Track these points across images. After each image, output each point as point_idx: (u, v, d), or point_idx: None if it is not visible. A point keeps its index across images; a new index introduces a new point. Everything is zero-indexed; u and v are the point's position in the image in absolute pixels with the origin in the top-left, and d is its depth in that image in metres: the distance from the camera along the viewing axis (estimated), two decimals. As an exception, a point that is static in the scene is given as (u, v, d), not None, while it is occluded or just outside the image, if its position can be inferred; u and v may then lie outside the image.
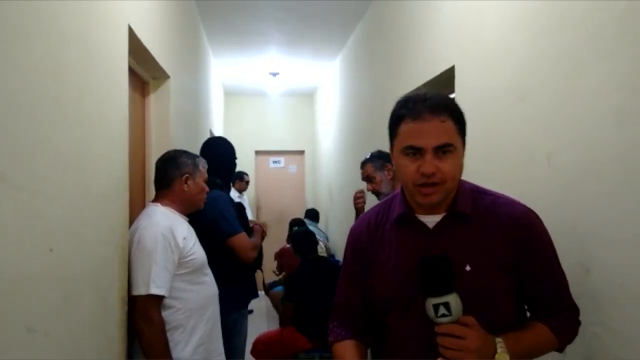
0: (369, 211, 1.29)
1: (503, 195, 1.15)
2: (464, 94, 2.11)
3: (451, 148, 1.04)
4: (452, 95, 2.19)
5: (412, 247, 1.12)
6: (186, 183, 1.95)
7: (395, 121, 1.09)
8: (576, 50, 1.37)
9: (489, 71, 1.89)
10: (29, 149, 1.05)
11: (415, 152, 1.04)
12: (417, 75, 2.70)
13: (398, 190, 1.22)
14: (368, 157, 2.63)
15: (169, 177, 1.94)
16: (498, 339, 1.02)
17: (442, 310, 0.97)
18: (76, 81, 1.30)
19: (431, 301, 0.98)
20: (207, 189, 2.05)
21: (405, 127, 1.06)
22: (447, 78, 2.31)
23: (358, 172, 2.74)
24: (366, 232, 1.23)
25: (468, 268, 1.06)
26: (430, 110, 1.03)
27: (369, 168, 2.61)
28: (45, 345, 1.10)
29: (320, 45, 5.05)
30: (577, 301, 1.15)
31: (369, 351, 1.26)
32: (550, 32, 1.49)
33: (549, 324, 1.10)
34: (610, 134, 1.23)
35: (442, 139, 1.03)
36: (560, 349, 1.14)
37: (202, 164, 2.05)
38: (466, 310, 0.99)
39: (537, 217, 1.12)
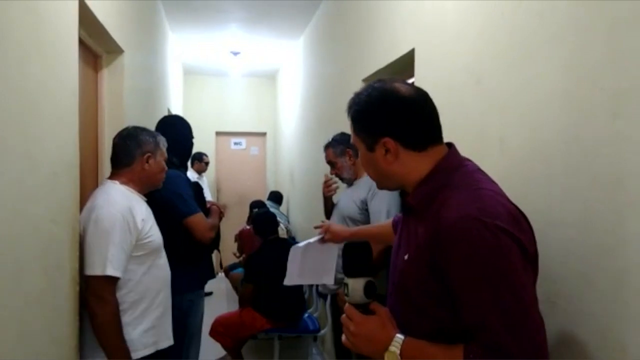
0: None
1: (472, 197, 0.98)
2: (423, 77, 2.14)
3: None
4: (412, 79, 2.21)
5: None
6: (147, 162, 1.90)
7: None
8: (528, 35, 1.40)
9: (447, 54, 1.92)
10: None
11: None
12: (378, 58, 2.71)
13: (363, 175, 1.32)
14: (329, 141, 2.63)
15: (130, 154, 1.88)
16: (399, 337, 0.97)
17: (345, 289, 1.06)
18: (21, 51, 1.24)
19: (344, 279, 1.07)
20: (166, 168, 2.01)
21: None
22: (407, 61, 2.33)
23: (320, 155, 2.75)
24: None
25: (406, 257, 1.06)
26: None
27: (330, 153, 2.61)
28: (-13, 325, 1.05)
29: (283, 24, 4.97)
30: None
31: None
32: (505, 15, 1.52)
33: (467, 354, 0.92)
34: (556, 118, 1.28)
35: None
36: None
37: (163, 142, 2.00)
38: (400, 304, 1.07)
39: (473, 227, 0.92)
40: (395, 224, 1.49)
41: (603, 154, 1.12)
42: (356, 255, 1.07)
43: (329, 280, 1.89)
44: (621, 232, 1.07)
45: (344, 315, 1.05)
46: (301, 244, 1.86)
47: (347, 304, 1.05)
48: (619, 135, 1.07)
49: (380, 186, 1.19)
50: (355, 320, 1.02)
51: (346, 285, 1.05)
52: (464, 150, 1.76)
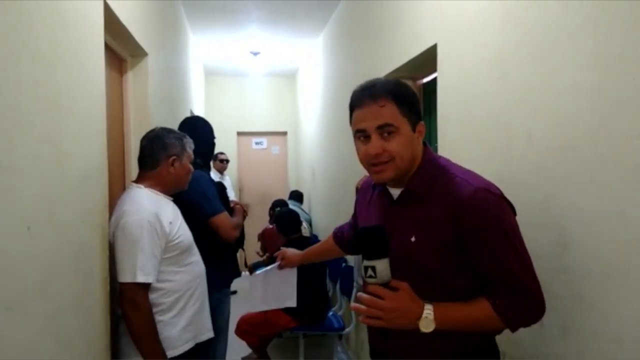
0: None
1: (468, 174, 1.20)
2: (446, 72, 2.11)
3: (392, 128, 1.17)
4: (434, 75, 2.19)
5: (379, 213, 1.32)
6: (173, 165, 1.92)
7: (350, 112, 1.25)
8: (554, 26, 1.37)
9: (470, 49, 1.89)
10: (3, 126, 1.01)
11: (363, 135, 1.20)
12: (400, 54, 2.68)
13: None
14: None
15: (155, 158, 1.90)
16: (428, 305, 1.11)
17: (369, 272, 1.11)
18: (49, 56, 1.26)
19: (364, 263, 1.12)
20: (192, 170, 2.03)
21: (354, 116, 1.23)
22: (429, 56, 2.31)
23: (341, 153, 2.75)
24: (364, 190, 1.49)
25: (413, 239, 1.19)
26: (369, 97, 1.19)
27: None
28: (24, 324, 1.08)
29: (302, 23, 4.98)
30: (555, 276, 1.17)
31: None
32: (529, 7, 1.49)
33: (492, 301, 1.13)
34: (585, 111, 1.25)
35: (381, 120, 1.16)
36: (512, 329, 1.16)
37: (190, 145, 2.01)
38: (409, 279, 1.12)
39: (488, 196, 1.13)
40: (338, 233, 1.79)
41: (635, 145, 1.09)
42: (376, 238, 1.12)
43: (291, 303, 2.04)
44: (657, 226, 1.04)
45: (368, 296, 1.10)
46: (260, 272, 2.00)
47: (373, 285, 1.11)
48: (653, 127, 1.04)
49: (398, 172, 1.20)
50: (389, 297, 1.09)
51: (371, 267, 1.10)
52: (490, 145, 1.74)
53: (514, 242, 1.13)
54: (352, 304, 1.14)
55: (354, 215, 1.63)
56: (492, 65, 1.72)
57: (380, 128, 1.16)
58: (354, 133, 1.23)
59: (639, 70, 1.08)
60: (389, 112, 1.17)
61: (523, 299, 1.13)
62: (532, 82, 1.48)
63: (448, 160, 1.27)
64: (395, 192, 1.27)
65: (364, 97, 1.20)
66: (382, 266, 1.10)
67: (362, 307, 1.11)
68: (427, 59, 2.36)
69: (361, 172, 2.59)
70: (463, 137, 1.95)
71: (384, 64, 2.95)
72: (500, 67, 1.66)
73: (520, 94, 1.55)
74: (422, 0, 2.37)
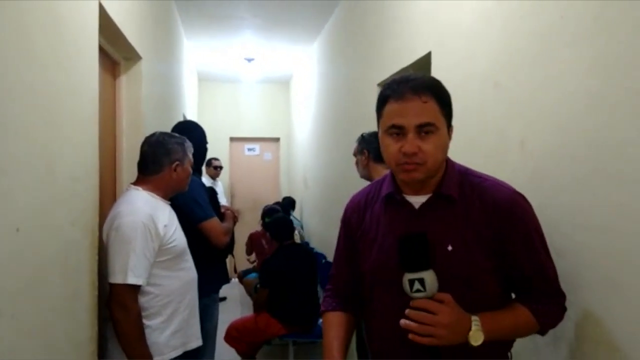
0: (360, 191, 1.33)
1: (492, 178, 1.16)
2: (440, 80, 2.12)
3: (432, 128, 1.06)
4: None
5: (398, 226, 1.15)
6: (175, 170, 1.92)
7: (381, 102, 1.12)
8: (548, 36, 1.39)
9: (464, 57, 1.90)
10: (-7, 124, 1.00)
11: (398, 131, 1.07)
12: (394, 62, 2.70)
13: (385, 173, 1.26)
14: (359, 136, 2.65)
15: (158, 163, 1.89)
16: (474, 317, 1.04)
17: (417, 285, 1.01)
18: (43, 57, 1.25)
19: (407, 276, 1.02)
20: (191, 172, 2.03)
21: (389, 108, 1.09)
22: (424, 64, 2.32)
23: (334, 160, 2.75)
24: (356, 211, 1.28)
25: (450, 248, 1.09)
26: (412, 91, 1.06)
27: (355, 147, 2.64)
28: (11, 327, 1.06)
29: (297, 31, 5.00)
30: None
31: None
32: (524, 17, 1.50)
33: (530, 306, 1.12)
34: (580, 119, 1.26)
35: (423, 118, 1.05)
36: (542, 333, 1.16)
37: (190, 149, 2.02)
38: (447, 289, 1.02)
39: (524, 201, 1.13)
40: (336, 302, 1.32)
41: (630, 154, 1.09)
42: (421, 247, 1.02)
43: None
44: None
45: (422, 313, 1.01)
46: None
47: (422, 300, 1.01)
48: (646, 136, 1.05)
49: (428, 174, 1.10)
50: (443, 312, 1.01)
51: (419, 280, 1.00)
52: (483, 154, 1.75)
53: (546, 246, 1.14)
54: (402, 320, 1.02)
55: (346, 258, 1.31)
56: (486, 73, 1.73)
57: (421, 127, 1.06)
58: (386, 127, 1.09)
59: (632, 79, 1.09)
60: (431, 110, 1.07)
61: (556, 303, 1.15)
62: (526, 90, 1.49)
63: (460, 164, 1.21)
64: (416, 200, 1.15)
65: (405, 89, 1.07)
66: (430, 277, 1.01)
67: (413, 324, 1.01)
68: (421, 67, 2.38)
69: (354, 179, 2.58)
70: (456, 145, 1.93)
71: (378, 72, 2.96)
72: (495, 75, 1.68)
73: (514, 103, 1.56)
74: (417, 8, 2.39)
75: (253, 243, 5.17)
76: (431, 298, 1.01)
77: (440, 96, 1.09)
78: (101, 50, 2.00)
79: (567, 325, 1.26)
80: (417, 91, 1.06)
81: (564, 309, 1.16)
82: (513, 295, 1.20)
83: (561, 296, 1.16)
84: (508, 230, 1.09)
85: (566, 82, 1.31)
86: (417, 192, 1.15)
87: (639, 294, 1.07)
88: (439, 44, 2.15)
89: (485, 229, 1.09)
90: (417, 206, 1.15)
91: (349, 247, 1.29)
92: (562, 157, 1.33)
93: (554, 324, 1.16)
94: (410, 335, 1.02)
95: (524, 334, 1.16)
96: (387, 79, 2.78)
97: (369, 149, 2.52)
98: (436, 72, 2.17)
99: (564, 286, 1.17)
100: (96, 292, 1.67)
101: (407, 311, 1.02)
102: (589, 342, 1.22)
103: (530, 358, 1.43)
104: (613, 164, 1.14)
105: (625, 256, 1.11)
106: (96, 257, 1.67)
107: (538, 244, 1.12)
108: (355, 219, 1.27)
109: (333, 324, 1.28)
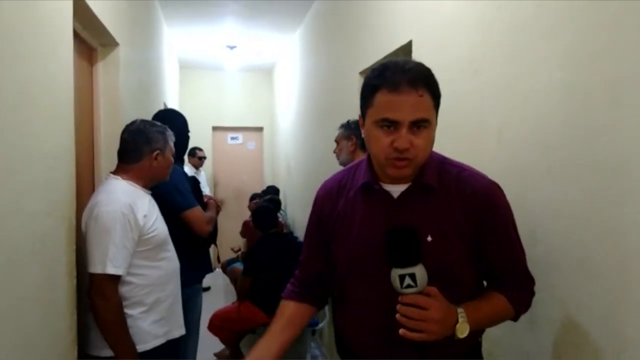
0: (332, 177, 1.28)
1: (469, 167, 1.16)
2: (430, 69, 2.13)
3: (426, 124, 1.02)
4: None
5: (376, 216, 1.12)
6: (156, 159, 1.89)
7: (371, 90, 1.04)
8: (526, 26, 1.39)
9: (444, 45, 1.91)
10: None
11: (390, 125, 1.01)
12: (376, 50, 2.69)
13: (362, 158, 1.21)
14: (344, 123, 2.65)
15: (139, 151, 1.86)
16: (459, 309, 1.04)
17: (407, 281, 0.97)
18: (14, 43, 1.22)
19: (397, 272, 0.98)
20: (173, 162, 2.00)
21: (381, 98, 1.01)
22: (405, 53, 2.32)
23: (317, 149, 2.75)
24: (329, 198, 1.23)
25: (429, 239, 1.07)
26: (409, 83, 0.99)
27: (339, 133, 2.64)
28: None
29: (279, 18, 4.94)
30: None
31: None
32: (502, 7, 1.51)
33: (505, 293, 1.13)
34: (555, 109, 1.27)
35: (419, 114, 1.00)
36: (516, 319, 1.18)
37: (171, 138, 1.99)
38: (429, 281, 1.00)
39: (499, 191, 1.13)
40: (298, 288, 1.31)
41: (603, 142, 1.11)
42: (411, 241, 0.98)
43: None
44: (622, 219, 1.06)
45: (414, 309, 0.98)
46: None
47: (412, 295, 0.98)
48: (618, 122, 1.07)
49: (416, 169, 1.07)
50: (434, 307, 0.98)
51: (410, 275, 0.97)
52: (461, 142, 1.76)
53: (517, 234, 1.16)
54: (398, 315, 0.99)
55: (316, 248, 1.27)
56: (465, 62, 1.74)
57: (415, 122, 1.00)
58: (377, 119, 1.02)
59: (606, 67, 1.11)
60: (427, 105, 1.01)
61: (526, 289, 1.17)
62: (504, 80, 1.51)
63: (437, 153, 1.17)
64: (395, 189, 1.11)
65: (402, 80, 0.99)
66: (420, 272, 0.98)
67: (404, 319, 0.98)
68: (403, 55, 2.38)
69: (336, 167, 2.58)
70: (437, 132, 1.96)
71: (360, 60, 2.96)
72: (474, 64, 1.68)
73: (492, 92, 1.57)
74: (399, -4, 2.38)
75: (248, 232, 5.12)
76: (420, 293, 0.99)
77: (434, 89, 1.04)
78: (76, 36, 1.96)
79: (541, 309, 1.29)
80: (413, 84, 0.99)
81: (533, 294, 1.18)
82: (485, 283, 1.21)
83: (531, 281, 1.18)
84: (486, 220, 1.09)
85: (542, 70, 1.32)
86: (395, 181, 1.11)
87: (612, 278, 1.10)
88: (420, 33, 2.14)
89: (464, 219, 1.08)
90: (395, 195, 1.11)
91: (319, 237, 1.25)
92: (537, 146, 1.34)
93: (526, 310, 1.18)
94: (401, 331, 0.98)
95: (501, 320, 1.17)
96: (369, 67, 2.77)
97: (356, 135, 2.52)
98: (417, 59, 2.17)
99: (538, 272, 1.19)
100: (74, 282, 1.65)
101: (397, 307, 0.99)
102: (562, 324, 1.25)
103: (511, 342, 1.46)
104: (586, 152, 1.16)
105: (598, 243, 1.13)
106: (74, 247, 1.65)
107: (512, 232, 1.14)
108: (328, 207, 1.22)
109: (283, 314, 1.27)
